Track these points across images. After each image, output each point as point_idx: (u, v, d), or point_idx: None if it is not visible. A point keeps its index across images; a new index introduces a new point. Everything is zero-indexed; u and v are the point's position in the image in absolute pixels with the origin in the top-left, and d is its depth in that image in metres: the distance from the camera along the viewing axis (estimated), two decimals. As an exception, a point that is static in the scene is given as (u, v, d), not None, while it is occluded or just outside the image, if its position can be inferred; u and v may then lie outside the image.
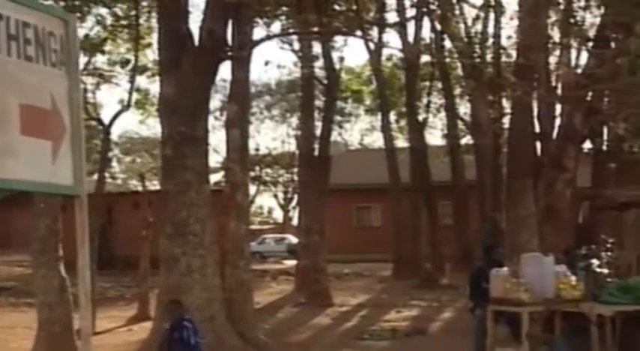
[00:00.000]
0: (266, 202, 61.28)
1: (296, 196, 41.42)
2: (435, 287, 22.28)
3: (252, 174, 42.35)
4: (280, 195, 53.99)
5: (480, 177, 26.27)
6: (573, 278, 11.06)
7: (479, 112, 24.29)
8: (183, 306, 10.02)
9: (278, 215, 59.90)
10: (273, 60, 51.91)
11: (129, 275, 22.14)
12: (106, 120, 20.14)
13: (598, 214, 17.02)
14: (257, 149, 44.20)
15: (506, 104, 20.07)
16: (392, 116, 31.90)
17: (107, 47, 22.06)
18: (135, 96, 28.40)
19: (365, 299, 20.39)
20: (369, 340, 13.81)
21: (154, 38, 19.65)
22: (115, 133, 43.14)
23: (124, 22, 19.79)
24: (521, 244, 13.44)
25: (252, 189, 48.57)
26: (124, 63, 23.18)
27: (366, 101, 40.48)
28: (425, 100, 30.08)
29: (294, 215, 46.22)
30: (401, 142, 33.74)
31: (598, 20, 15.36)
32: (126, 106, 20.83)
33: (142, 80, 26.32)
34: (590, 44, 15.52)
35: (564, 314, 10.66)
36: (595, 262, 13.26)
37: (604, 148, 19.57)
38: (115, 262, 28.64)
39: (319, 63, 22.55)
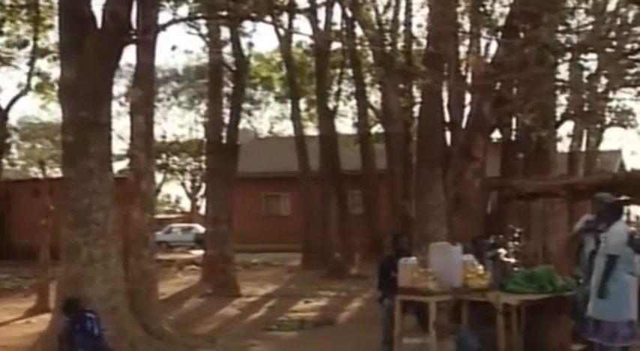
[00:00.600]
0: (173, 190, 60.73)
1: (204, 185, 41.13)
2: (345, 277, 22.44)
3: (158, 162, 41.90)
4: (188, 183, 53.59)
5: (390, 166, 26.57)
6: (480, 267, 11.29)
7: (389, 100, 24.55)
8: (80, 302, 9.96)
9: (185, 204, 59.46)
10: (180, 45, 51.38)
11: (28, 266, 21.63)
12: (4, 104, 19.59)
13: (506, 203, 17.36)
14: (164, 136, 43.76)
15: (416, 93, 20.37)
16: (302, 104, 31.97)
17: (5, 28, 21.44)
18: (35, 80, 27.86)
19: (273, 289, 20.41)
20: (276, 330, 13.83)
21: (55, 19, 19.17)
22: (14, 118, 42.04)
23: (23, 2, 19.26)
24: (429, 233, 13.65)
25: (159, 177, 48.10)
26: (23, 45, 22.57)
27: (276, 88, 40.45)
28: (335, 88, 30.24)
29: (202, 204, 45.95)
30: (311, 131, 33.85)
31: (507, 10, 15.64)
32: (25, 90, 20.31)
33: (42, 63, 25.72)
34: (500, 34, 15.79)
35: (471, 303, 10.86)
36: (502, 251, 13.58)
37: (513, 138, 19.98)
38: (13, 251, 27.99)
39: (228, 49, 22.41)
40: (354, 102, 30.33)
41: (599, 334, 10.28)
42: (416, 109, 19.37)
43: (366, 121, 28.66)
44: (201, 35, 22.38)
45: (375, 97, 30.50)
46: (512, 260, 13.43)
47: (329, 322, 14.68)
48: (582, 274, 11.04)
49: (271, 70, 39.43)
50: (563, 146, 23.31)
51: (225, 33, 21.94)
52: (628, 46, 16.26)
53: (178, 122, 51.02)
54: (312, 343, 12.21)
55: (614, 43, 15.50)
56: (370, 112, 29.79)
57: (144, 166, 13.41)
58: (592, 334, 10.49)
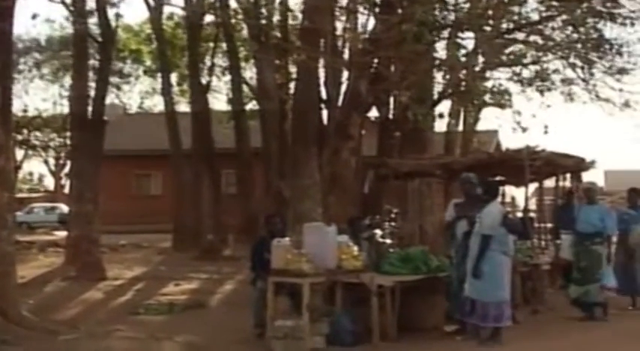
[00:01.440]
0: (36, 168, 59.08)
1: (69, 163, 40.12)
2: (217, 259, 22.33)
3: (19, 137, 40.61)
4: (51, 161, 52.16)
5: (265, 144, 26.48)
6: (355, 248, 11.41)
7: (265, 76, 24.41)
8: None
9: (49, 183, 57.91)
10: (41, 13, 49.83)
11: None
12: None
13: (383, 183, 17.61)
14: (25, 110, 42.45)
15: (292, 69, 20.35)
16: (174, 78, 31.52)
17: None
18: None
19: (141, 272, 20.12)
20: (143, 314, 13.63)
21: None
22: None
23: None
24: (304, 213, 13.71)
25: (20, 154, 46.61)
26: None
27: (146, 62, 39.76)
28: (209, 63, 29.93)
29: (67, 183, 44.81)
30: (183, 107, 33.46)
31: (384, -15, 15.79)
32: None
33: None
34: (377, 10, 15.94)
35: (346, 285, 10.98)
36: (378, 232, 13.79)
37: (390, 116, 20.23)
38: None
39: (93, 19, 21.83)
40: (228, 77, 30.11)
41: (474, 314, 10.58)
42: (292, 85, 19.34)
43: (240, 98, 28.45)
44: (64, 3, 21.69)
45: (250, 72, 30.36)
46: (388, 241, 13.66)
47: (200, 305, 14.57)
48: (454, 254, 11.29)
49: (141, 42, 38.71)
50: (441, 125, 23.78)
51: (90, 2, 21.38)
52: (504, 26, 16.71)
53: (41, 96, 49.50)
54: (181, 327, 12.09)
55: (491, 21, 15.89)
56: (245, 88, 29.61)
57: (1, 141, 12.92)
58: (467, 314, 10.79)
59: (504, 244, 10.56)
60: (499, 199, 12.58)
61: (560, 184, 17.85)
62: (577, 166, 16.59)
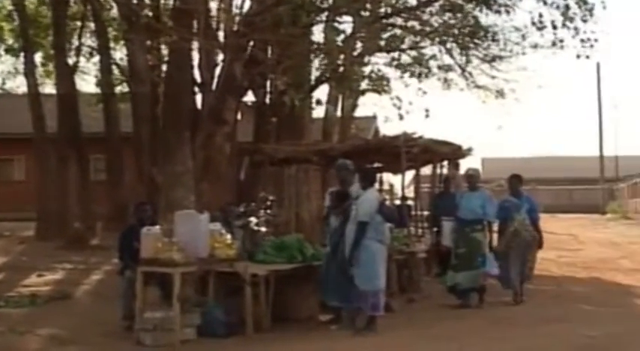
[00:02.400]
0: None
1: None
2: (84, 248, 21.89)
3: None
4: None
5: (136, 129, 26.04)
6: (229, 237, 11.41)
7: (136, 58, 23.96)
8: None
9: None
10: None
11: None
12: None
13: (259, 170, 17.64)
14: None
15: (165, 51, 20.08)
16: (38, 58, 30.66)
17: None
18: None
19: (1, 262, 19.56)
20: (3, 307, 13.25)
21: None
22: None
23: None
24: (176, 200, 13.58)
25: None
26: None
27: (8, 40, 38.51)
28: (76, 42, 29.24)
29: None
30: (48, 88, 32.60)
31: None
32: None
33: None
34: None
35: (218, 274, 10.96)
36: (253, 219, 13.79)
37: (266, 101, 20.25)
38: None
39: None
40: (97, 58, 29.49)
41: (349, 302, 10.74)
42: (164, 68, 19.07)
43: (110, 80, 27.90)
44: None
45: (120, 53, 29.79)
46: (263, 229, 13.68)
47: (64, 296, 14.27)
48: (328, 242, 11.41)
49: (1, 19, 37.48)
50: (319, 111, 23.94)
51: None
52: (382, 10, 16.96)
53: None
54: (45, 320, 11.81)
55: (369, 6, 16.09)
56: (115, 69, 29.07)
57: None
58: (342, 302, 10.94)
59: (380, 232, 10.73)
60: (376, 186, 12.79)
61: (438, 171, 18.29)
62: (454, 153, 17.03)
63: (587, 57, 18.98)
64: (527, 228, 12.91)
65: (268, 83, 19.37)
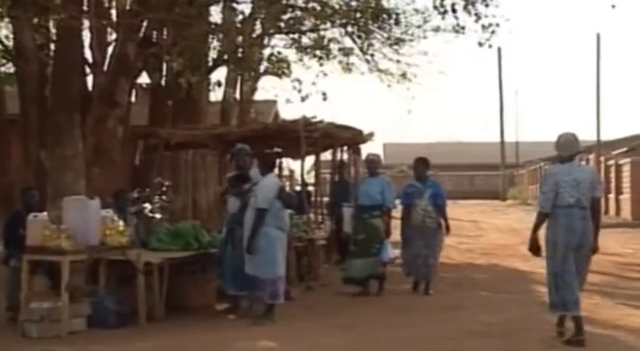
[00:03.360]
0: None
1: None
2: (-33, 236, 21.34)
3: None
4: None
5: (23, 111, 25.36)
6: (121, 224, 11.26)
7: (23, 36, 23.34)
8: None
9: None
10: None
11: None
12: None
13: (154, 154, 17.43)
14: None
15: (54, 29, 19.61)
16: None
17: None
18: None
19: None
20: None
21: None
22: None
23: None
24: (65, 186, 13.32)
25: None
26: None
27: None
28: (-43, 19, 28.35)
29: None
30: None
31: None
32: None
33: None
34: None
35: (110, 263, 10.81)
36: (147, 206, 13.65)
37: (162, 83, 20.01)
38: None
39: None
40: (-19, 36, 28.63)
41: (248, 290, 10.73)
42: (53, 47, 18.61)
43: (-6, 59, 27.17)
44: None
45: (5, 31, 28.98)
46: (158, 215, 13.56)
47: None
48: (224, 228, 11.37)
49: None
50: (217, 94, 23.79)
51: None
52: (282, -9, 16.91)
53: None
54: None
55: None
56: (0, 48, 28.28)
57: None
58: (240, 290, 10.93)
59: (280, 218, 10.72)
60: (275, 171, 12.78)
61: (339, 156, 18.41)
62: (355, 138, 17.15)
63: (490, 46, 19.35)
64: (429, 214, 12.78)
65: (164, 65, 19.13)
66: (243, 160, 11.32)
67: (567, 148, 9.07)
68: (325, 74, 20.58)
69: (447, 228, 13.01)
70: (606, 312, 11.05)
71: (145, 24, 15.79)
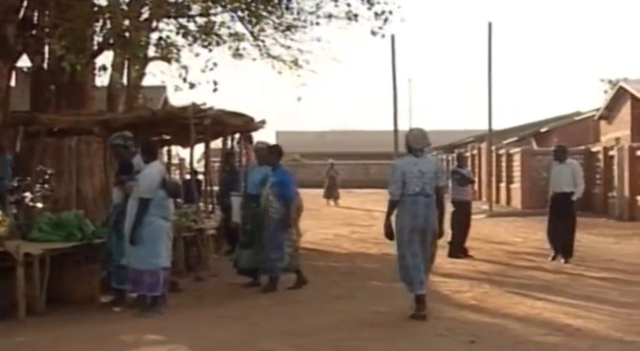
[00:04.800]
0: None
1: None
2: None
3: None
4: None
5: None
6: None
7: None
8: None
9: None
10: None
11: None
12: None
13: (35, 141, 17.04)
14: None
15: None
16: None
17: None
18: None
19: None
20: None
21: None
22: None
23: None
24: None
25: None
26: None
27: None
28: None
29: None
30: None
31: None
32: None
33: None
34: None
35: (-13, 254, 10.55)
36: (28, 195, 13.35)
37: (44, 66, 19.56)
38: None
39: None
40: None
41: (132, 282, 10.62)
42: None
43: None
44: None
45: None
46: (40, 205, 13.29)
47: None
48: (109, 219, 11.23)
49: None
50: (103, 79, 23.38)
51: None
52: (169, -27, 16.73)
53: None
54: None
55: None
56: None
57: None
58: (124, 282, 10.82)
59: (164, 208, 10.63)
60: (159, 159, 12.65)
61: (230, 144, 18.34)
62: (246, 125, 17.11)
63: (383, 36, 19.56)
64: (271, 204, 12.34)
65: (46, 47, 18.70)
66: (121, 149, 11.14)
67: (419, 142, 10.00)
68: (215, 64, 20.35)
69: (287, 222, 12.37)
70: (494, 300, 11.31)
71: (24, 4, 15.41)
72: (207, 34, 19.42)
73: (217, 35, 20.23)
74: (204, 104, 14.83)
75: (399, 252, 9.91)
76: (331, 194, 38.31)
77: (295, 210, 13.30)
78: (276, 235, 12.28)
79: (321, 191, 38.60)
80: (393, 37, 36.39)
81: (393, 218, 9.93)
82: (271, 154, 12.67)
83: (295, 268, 12.58)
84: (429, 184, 9.85)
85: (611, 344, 8.63)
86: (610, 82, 62.81)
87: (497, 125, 43.72)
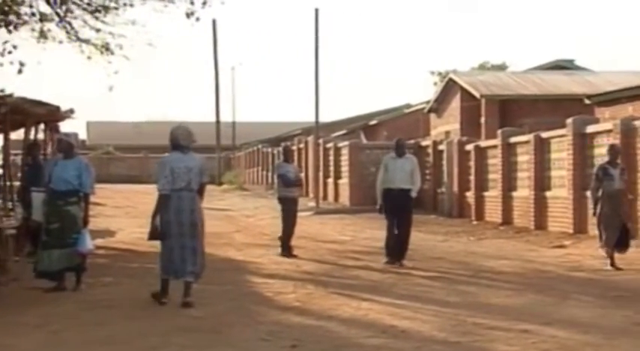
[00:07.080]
0: None
1: None
2: None
3: None
4: None
5: None
6: None
7: None
8: None
9: None
10: None
11: None
12: None
13: None
14: None
15: None
16: None
17: None
18: None
19: None
20: None
21: None
22: None
23: None
24: None
25: None
26: None
27: None
28: None
29: None
30: None
31: None
32: None
33: None
34: None
35: None
36: None
37: None
38: None
39: None
40: None
41: None
42: None
43: None
44: None
45: None
46: None
47: None
48: None
49: None
50: None
51: None
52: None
53: None
54: None
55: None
56: None
57: None
58: None
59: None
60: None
61: (35, 136, 17.85)
62: (52, 115, 16.68)
63: (198, 19, 19.43)
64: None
65: None
66: None
67: (186, 139, 11.05)
68: (15, 46, 19.61)
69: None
70: (319, 302, 11.43)
71: None
72: (4, 14, 18.74)
73: (17, 14, 19.51)
74: (2, 91, 14.36)
75: (167, 244, 10.93)
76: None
77: None
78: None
79: (138, 186, 38.05)
80: (214, 22, 36.31)
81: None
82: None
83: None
84: (194, 180, 10.99)
85: (436, 345, 8.85)
86: (440, 74, 64.81)
87: (325, 117, 44.43)
